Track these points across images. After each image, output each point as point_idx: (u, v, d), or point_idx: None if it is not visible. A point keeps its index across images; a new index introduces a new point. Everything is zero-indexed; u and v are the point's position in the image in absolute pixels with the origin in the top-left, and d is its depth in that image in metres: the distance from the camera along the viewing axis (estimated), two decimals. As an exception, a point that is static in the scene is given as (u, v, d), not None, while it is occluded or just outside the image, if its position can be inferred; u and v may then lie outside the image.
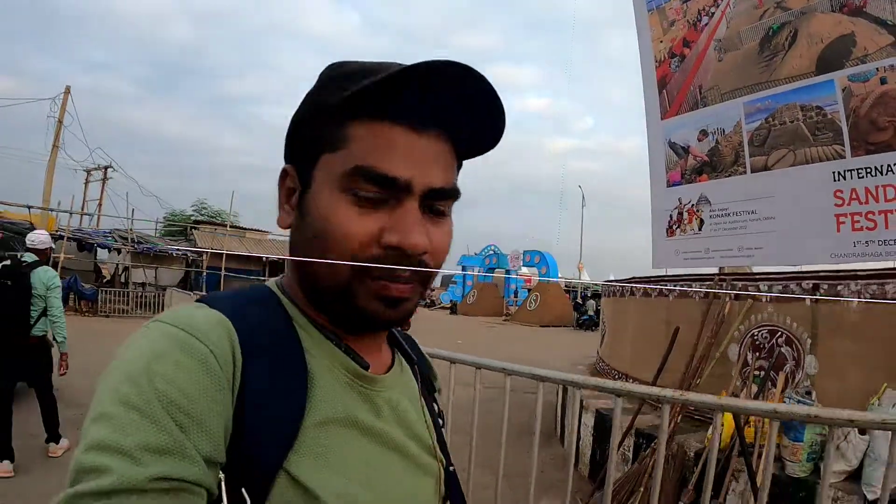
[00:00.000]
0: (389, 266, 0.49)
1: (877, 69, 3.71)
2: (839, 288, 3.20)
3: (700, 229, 4.48)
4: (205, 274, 18.89)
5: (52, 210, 17.60)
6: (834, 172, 3.82)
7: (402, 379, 0.62)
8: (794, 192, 3.96)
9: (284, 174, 0.56)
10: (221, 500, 0.42)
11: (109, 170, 22.71)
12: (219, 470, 0.42)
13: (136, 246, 18.06)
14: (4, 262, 3.63)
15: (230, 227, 23.02)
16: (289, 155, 0.56)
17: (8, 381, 3.54)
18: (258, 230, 25.18)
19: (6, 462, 3.44)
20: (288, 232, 0.56)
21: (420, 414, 0.61)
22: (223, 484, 0.42)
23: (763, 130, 4.13)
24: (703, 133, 4.46)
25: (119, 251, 17.97)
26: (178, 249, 17.79)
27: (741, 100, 4.24)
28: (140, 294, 16.24)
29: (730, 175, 4.29)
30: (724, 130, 4.32)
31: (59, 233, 14.51)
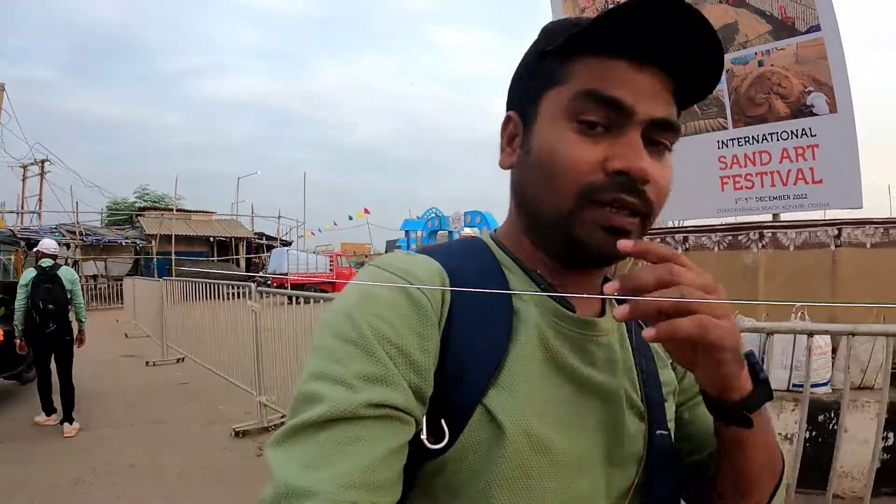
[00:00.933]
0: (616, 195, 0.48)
1: (755, 53, 4.37)
2: (703, 239, 3.85)
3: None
4: (155, 260, 18.61)
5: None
6: (718, 141, 4.48)
7: (615, 325, 0.58)
8: (687, 158, 4.61)
9: (507, 120, 0.57)
10: (421, 430, 0.45)
11: (47, 163, 21.81)
12: (425, 400, 0.45)
13: (84, 239, 17.63)
14: (43, 269, 4.48)
15: (176, 210, 22.64)
16: (512, 102, 0.57)
17: (48, 355, 4.41)
18: (203, 211, 24.85)
19: (53, 416, 4.40)
20: None
21: (631, 365, 0.58)
22: (424, 416, 0.45)
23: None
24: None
25: (68, 245, 17.47)
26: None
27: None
28: (94, 286, 15.89)
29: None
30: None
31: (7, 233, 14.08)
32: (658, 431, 0.56)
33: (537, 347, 0.50)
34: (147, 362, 6.79)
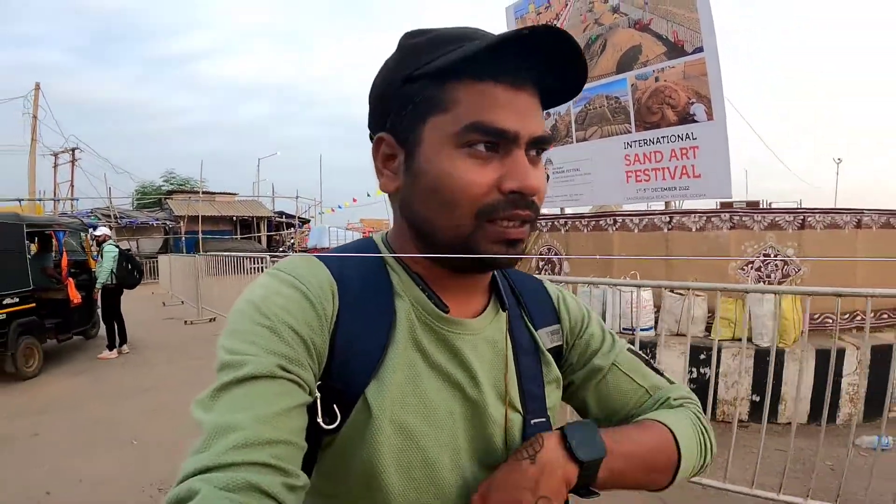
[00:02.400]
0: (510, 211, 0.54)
1: (654, 71, 5.39)
2: (576, 222, 5.02)
3: (547, 181, 6.23)
4: (183, 239, 20.33)
5: (39, 200, 18.98)
6: (624, 143, 5.56)
7: (493, 325, 0.63)
8: (601, 156, 5.69)
9: (379, 142, 0.58)
10: (317, 413, 0.52)
11: (77, 151, 23.69)
12: (315, 379, 0.52)
13: (118, 221, 19.46)
14: (121, 249, 6.34)
15: (202, 193, 24.37)
16: (380, 123, 0.58)
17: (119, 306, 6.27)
18: (227, 193, 26.58)
19: (115, 350, 6.05)
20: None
21: (502, 361, 0.62)
22: (318, 401, 0.52)
23: (583, 113, 5.84)
24: (547, 114, 6.11)
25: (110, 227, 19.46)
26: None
27: (574, 90, 5.90)
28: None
29: (563, 144, 6.00)
30: (560, 113, 6.00)
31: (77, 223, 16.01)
32: (533, 421, 0.62)
33: (409, 345, 0.57)
34: (185, 321, 8.36)
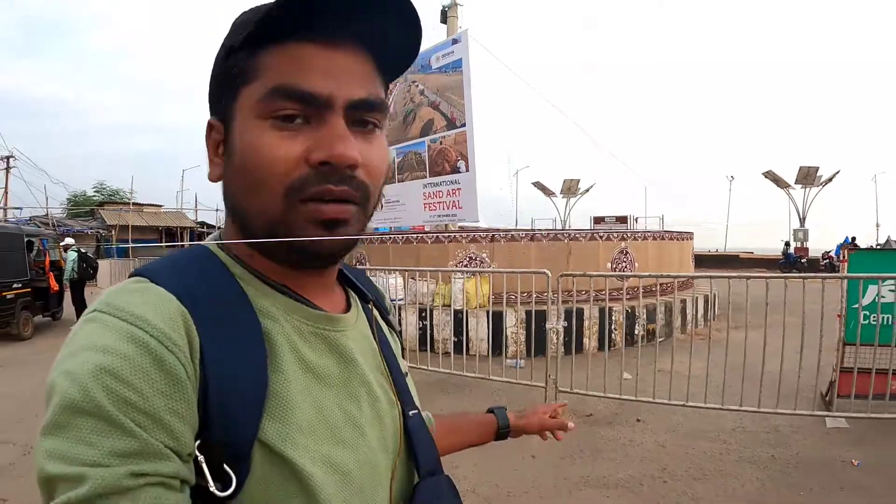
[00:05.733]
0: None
1: (439, 137, 8.16)
2: (495, 235, 7.76)
3: (382, 208, 8.94)
4: (114, 246, 21.96)
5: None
6: (423, 184, 8.32)
7: (360, 319, 0.59)
8: (410, 192, 8.46)
9: (210, 128, 0.53)
10: (207, 481, 0.41)
11: (12, 159, 24.97)
12: (189, 460, 0.41)
13: (56, 229, 20.97)
14: (81, 252, 9.55)
15: (132, 204, 26.16)
16: (212, 107, 0.53)
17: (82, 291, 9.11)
18: (153, 205, 29.36)
19: None
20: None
21: (376, 356, 0.59)
22: (205, 465, 0.41)
23: (402, 163, 8.59)
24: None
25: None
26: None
27: (394, 147, 8.63)
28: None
29: (390, 183, 8.74)
30: (392, 161, 8.68)
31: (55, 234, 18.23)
32: (410, 412, 0.59)
33: (294, 363, 0.48)
34: None
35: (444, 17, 10.99)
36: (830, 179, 23.96)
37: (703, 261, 20.19)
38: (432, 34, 9.61)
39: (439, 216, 8.18)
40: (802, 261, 22.11)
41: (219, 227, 0.61)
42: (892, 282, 4.01)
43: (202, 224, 30.20)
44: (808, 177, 24.18)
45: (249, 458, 0.43)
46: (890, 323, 4.02)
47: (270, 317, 0.50)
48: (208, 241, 0.53)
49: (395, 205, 8.75)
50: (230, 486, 0.42)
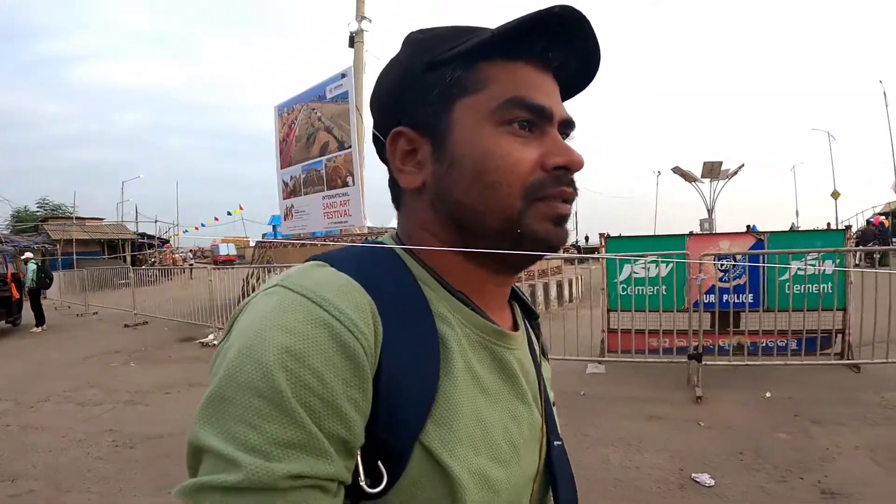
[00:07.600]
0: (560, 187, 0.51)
1: (333, 157, 9.73)
2: (314, 244, 9.42)
3: (293, 218, 10.58)
4: (59, 260, 22.79)
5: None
6: (322, 196, 9.96)
7: (524, 339, 0.59)
8: (313, 204, 10.06)
9: (396, 137, 0.54)
10: (359, 475, 0.41)
11: None
12: (356, 454, 0.41)
13: (3, 244, 21.78)
14: (39, 265, 11.52)
15: (75, 219, 27.31)
16: (393, 120, 0.55)
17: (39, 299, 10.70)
18: (95, 218, 32.64)
19: (41, 327, 10.33)
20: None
21: (535, 380, 0.59)
22: (359, 460, 0.42)
23: (305, 178, 10.22)
24: (292, 178, 10.45)
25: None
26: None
27: (300, 164, 10.24)
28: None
29: (298, 196, 10.38)
30: (299, 176, 10.35)
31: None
32: (556, 442, 0.58)
33: (464, 372, 0.49)
34: (77, 315, 12.54)
35: (352, 42, 12.73)
36: (735, 172, 26.35)
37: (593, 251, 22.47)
38: (342, 59, 11.09)
39: (335, 223, 9.87)
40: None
41: (388, 229, 0.66)
42: (642, 260, 5.41)
43: (142, 235, 31.67)
44: (712, 171, 26.07)
45: (408, 458, 0.43)
46: (643, 293, 5.40)
47: (446, 322, 0.50)
48: (407, 246, 0.54)
49: (301, 214, 10.39)
50: (379, 483, 0.42)
